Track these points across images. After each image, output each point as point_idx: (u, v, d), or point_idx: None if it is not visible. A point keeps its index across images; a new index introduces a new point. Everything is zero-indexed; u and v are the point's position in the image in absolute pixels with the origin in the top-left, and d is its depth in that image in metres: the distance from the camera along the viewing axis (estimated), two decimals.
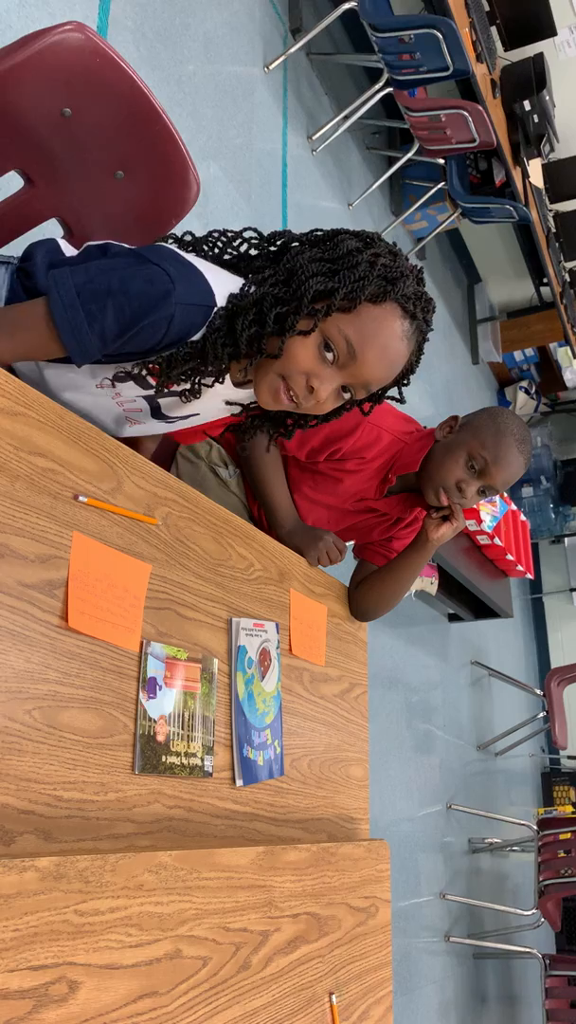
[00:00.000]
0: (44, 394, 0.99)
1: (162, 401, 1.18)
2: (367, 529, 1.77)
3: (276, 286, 1.08)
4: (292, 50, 3.51)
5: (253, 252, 1.16)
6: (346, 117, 3.82)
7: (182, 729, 1.14)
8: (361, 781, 1.69)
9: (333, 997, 1.32)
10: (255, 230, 1.17)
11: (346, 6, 3.39)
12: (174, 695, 1.14)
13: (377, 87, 3.72)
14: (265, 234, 1.17)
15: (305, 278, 1.06)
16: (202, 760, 1.17)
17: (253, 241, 1.16)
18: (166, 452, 1.66)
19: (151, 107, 1.20)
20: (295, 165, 3.62)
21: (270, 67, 3.43)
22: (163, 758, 1.09)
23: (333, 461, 1.62)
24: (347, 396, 1.15)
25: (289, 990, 1.21)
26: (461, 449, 1.55)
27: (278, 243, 1.15)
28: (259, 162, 3.28)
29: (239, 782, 1.25)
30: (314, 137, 3.80)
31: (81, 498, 1.02)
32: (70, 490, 1.01)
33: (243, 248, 1.16)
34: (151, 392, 1.15)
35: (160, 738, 1.09)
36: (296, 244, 1.13)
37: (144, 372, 1.10)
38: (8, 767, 0.87)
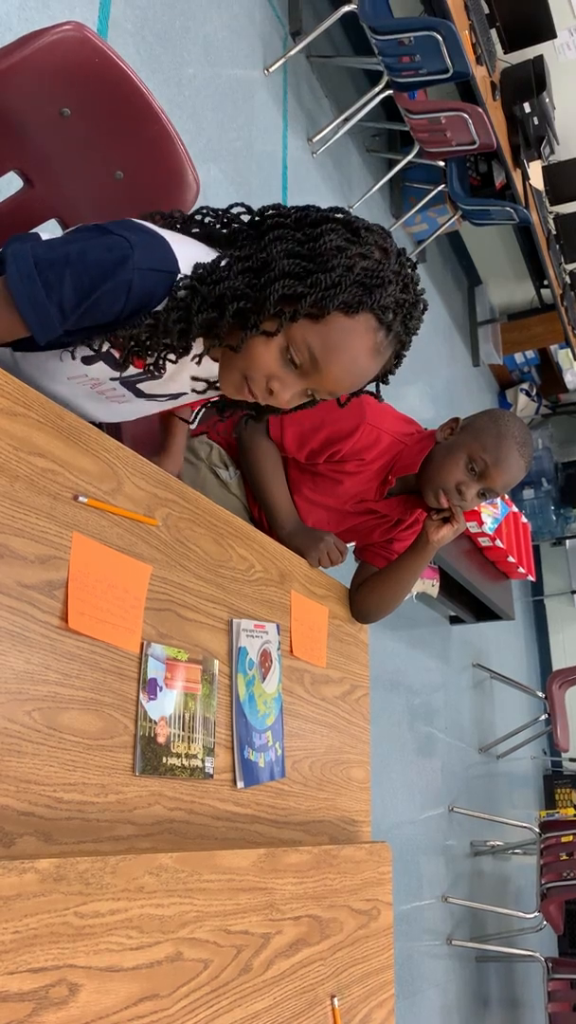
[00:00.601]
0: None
1: (142, 386, 1.15)
2: (367, 531, 1.77)
3: (245, 274, 1.01)
4: (292, 53, 3.51)
5: (236, 226, 1.09)
6: (346, 119, 3.83)
7: (183, 731, 1.13)
8: (363, 783, 1.68)
9: (335, 1000, 1.31)
10: (244, 205, 1.10)
11: (346, 8, 3.40)
12: (175, 696, 1.13)
13: (377, 89, 3.72)
14: (255, 208, 1.10)
15: (274, 277, 0.99)
16: (203, 762, 1.17)
17: (243, 216, 1.10)
18: None
19: (150, 107, 1.20)
20: (295, 167, 3.62)
21: (270, 70, 3.44)
22: (164, 760, 1.08)
23: (333, 463, 1.62)
24: (311, 396, 1.11)
25: (291, 993, 1.20)
26: (462, 451, 1.54)
27: (265, 218, 1.07)
28: (259, 164, 3.28)
29: (240, 784, 1.25)
30: (314, 139, 3.80)
31: (81, 499, 1.01)
32: (70, 491, 1.00)
33: (230, 226, 1.10)
34: (120, 373, 1.10)
35: (161, 740, 1.09)
36: (284, 224, 1.04)
37: (108, 347, 1.05)
38: (8, 768, 0.86)
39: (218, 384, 1.16)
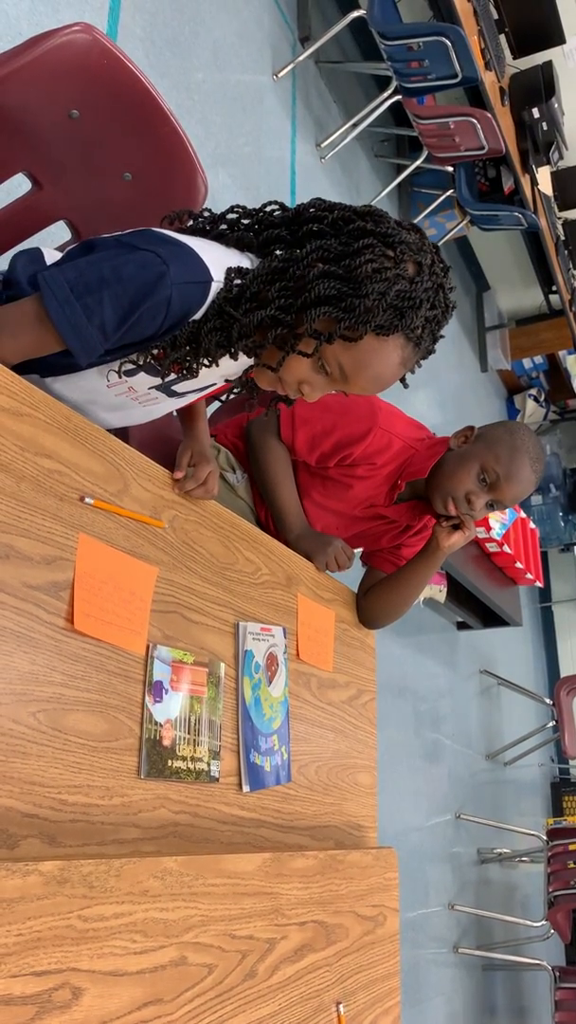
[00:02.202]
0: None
1: (176, 387, 1.17)
2: (376, 536, 1.76)
3: (282, 296, 1.04)
4: (301, 58, 3.52)
5: (271, 230, 1.09)
6: (355, 125, 3.83)
7: (188, 734, 1.13)
8: (369, 788, 1.67)
9: (341, 1007, 1.30)
10: (279, 203, 1.11)
11: (355, 14, 3.40)
12: (180, 699, 1.13)
13: (386, 95, 3.73)
14: (289, 206, 1.11)
15: (311, 302, 1.02)
16: (208, 765, 1.16)
17: (276, 216, 1.10)
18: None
19: (159, 109, 1.20)
20: (304, 173, 3.62)
21: (279, 75, 3.44)
22: (169, 763, 1.08)
23: (343, 467, 1.61)
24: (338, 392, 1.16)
25: (296, 999, 1.19)
26: (474, 461, 1.54)
27: (306, 220, 1.06)
28: (268, 170, 3.28)
29: (246, 788, 1.24)
30: (323, 145, 3.80)
31: (88, 500, 1.01)
32: (76, 492, 1.00)
33: (262, 225, 1.11)
34: (161, 380, 1.13)
35: (166, 742, 1.08)
36: (322, 230, 1.04)
37: (150, 359, 1.07)
38: (13, 770, 0.86)
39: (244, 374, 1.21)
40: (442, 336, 1.13)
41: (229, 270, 1.03)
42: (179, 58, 2.77)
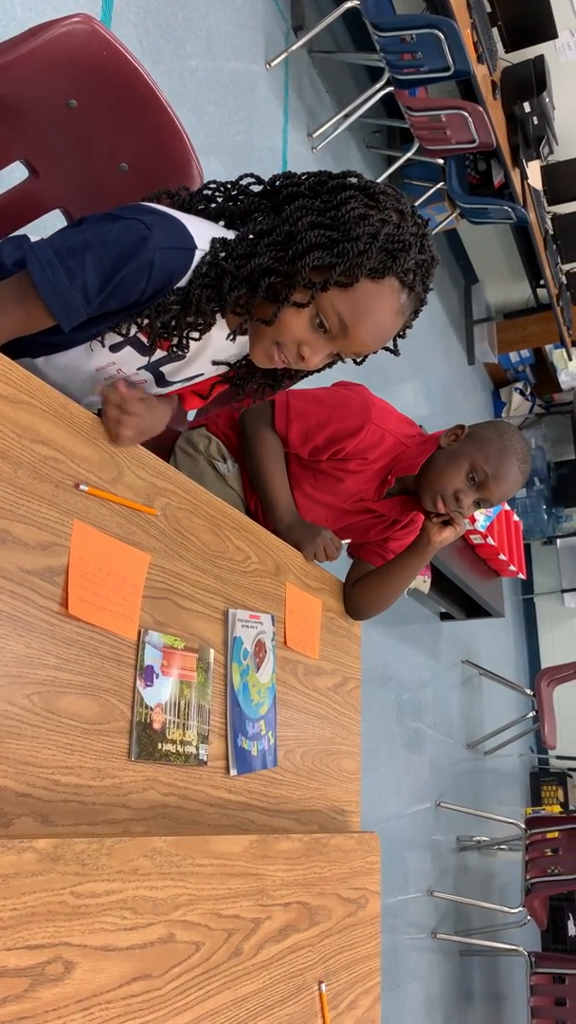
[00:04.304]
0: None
1: (164, 368, 1.18)
2: (364, 529, 1.79)
3: (272, 248, 1.04)
4: (294, 48, 3.51)
5: (249, 199, 1.11)
6: (347, 115, 3.83)
7: (178, 717, 1.15)
8: (353, 774, 1.70)
9: (322, 986, 1.33)
10: (254, 175, 1.13)
11: (348, 5, 3.40)
12: (171, 684, 1.15)
13: (378, 86, 3.73)
14: (265, 179, 1.13)
15: (304, 249, 1.03)
16: (197, 749, 1.18)
17: (253, 188, 1.13)
18: (165, 444, 1.67)
19: (156, 100, 1.21)
20: (295, 162, 3.62)
21: (272, 64, 3.44)
22: (159, 746, 1.10)
23: (335, 460, 1.63)
24: (335, 357, 1.16)
25: (279, 977, 1.22)
26: (464, 460, 1.57)
27: (279, 187, 1.10)
28: (259, 159, 3.28)
29: (233, 771, 1.26)
30: (314, 135, 3.80)
31: (82, 487, 1.03)
32: (71, 479, 1.02)
33: (241, 199, 1.13)
34: (148, 358, 1.13)
35: (156, 726, 1.10)
36: (300, 193, 1.07)
37: (135, 331, 1.08)
38: (7, 750, 0.88)
39: (235, 363, 1.20)
40: (431, 289, 1.15)
41: (214, 240, 1.05)
42: (172, 45, 2.77)
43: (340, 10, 3.43)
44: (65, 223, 1.36)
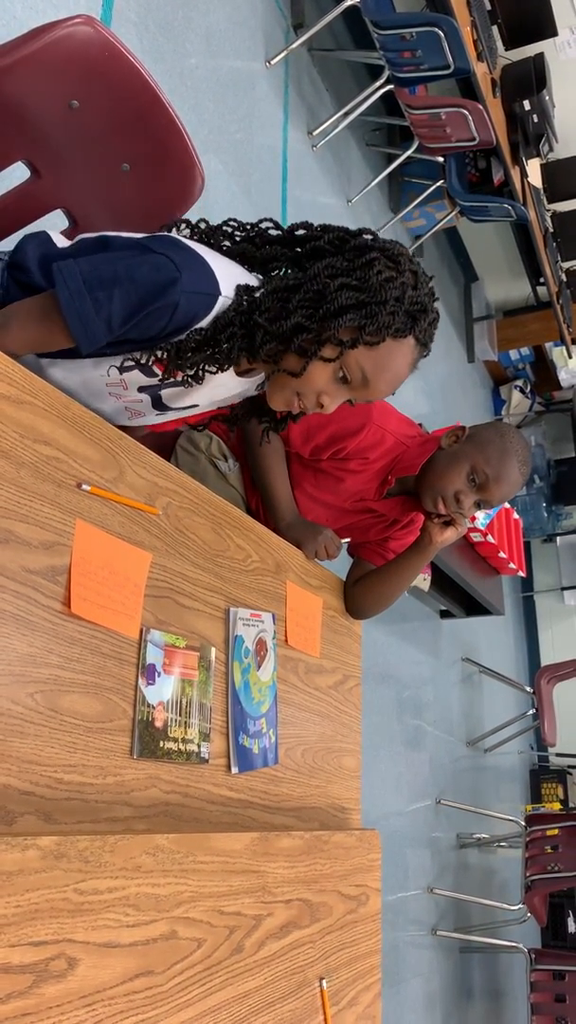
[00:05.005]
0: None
1: (164, 392, 1.20)
2: (363, 529, 1.79)
3: (304, 307, 1.09)
4: (294, 46, 3.51)
5: (270, 247, 1.16)
6: (347, 113, 3.83)
7: (179, 716, 1.16)
8: (353, 771, 1.71)
9: (323, 982, 1.34)
10: (273, 220, 1.17)
11: (348, 2, 3.40)
12: (172, 682, 1.15)
13: (378, 84, 3.73)
14: (283, 226, 1.18)
15: (336, 311, 1.08)
16: (199, 747, 1.19)
17: (271, 234, 1.17)
18: (166, 444, 1.67)
19: (158, 101, 1.22)
20: (295, 160, 3.62)
21: (272, 62, 3.44)
22: (161, 744, 1.10)
23: (336, 460, 1.64)
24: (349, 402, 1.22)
25: (281, 974, 1.23)
26: (465, 461, 1.57)
27: (301, 240, 1.15)
28: (259, 157, 3.29)
29: (234, 769, 1.27)
30: (314, 133, 3.80)
31: (84, 486, 1.03)
32: (74, 478, 1.02)
33: (259, 241, 1.17)
34: (155, 381, 1.16)
35: (158, 724, 1.11)
36: (323, 249, 1.12)
37: (151, 361, 1.11)
38: (10, 749, 0.88)
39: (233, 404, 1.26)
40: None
41: (239, 287, 1.09)
42: (172, 44, 2.77)
43: (340, 8, 3.42)
44: (67, 223, 1.37)
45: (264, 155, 3.34)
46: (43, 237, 1.19)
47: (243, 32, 3.27)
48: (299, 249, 1.14)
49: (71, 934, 0.84)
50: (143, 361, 1.11)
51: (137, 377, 1.16)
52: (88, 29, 1.10)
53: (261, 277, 1.16)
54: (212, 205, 2.88)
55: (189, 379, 1.14)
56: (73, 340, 1.02)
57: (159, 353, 1.10)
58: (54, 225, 1.40)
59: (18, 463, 0.94)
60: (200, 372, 1.13)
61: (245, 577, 1.39)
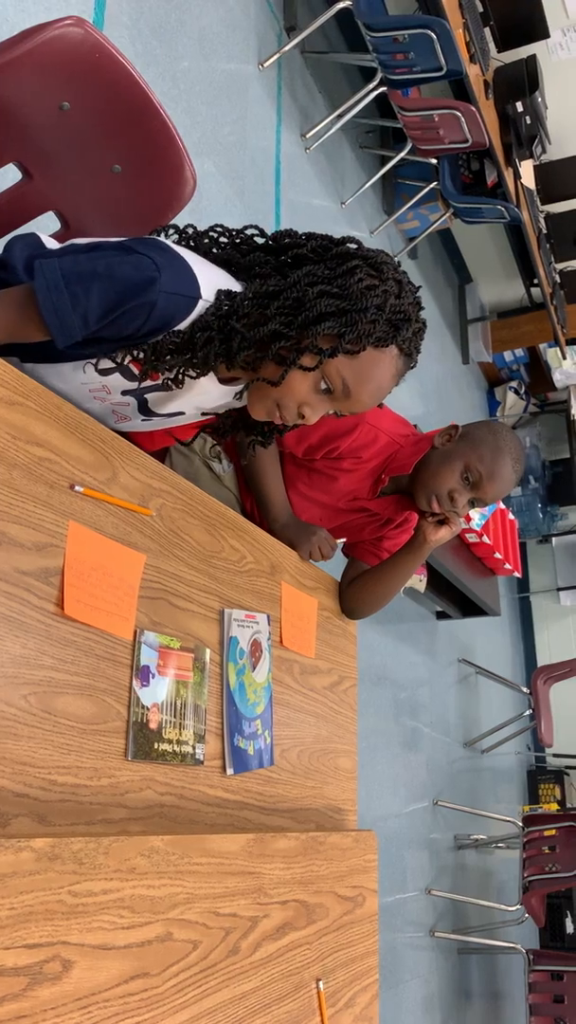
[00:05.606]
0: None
1: (149, 396, 1.19)
2: (357, 528, 1.79)
3: (282, 313, 1.07)
4: (287, 48, 3.52)
5: (254, 254, 1.14)
6: (340, 116, 3.84)
7: (174, 717, 1.15)
8: (349, 772, 1.71)
9: (320, 983, 1.34)
10: (258, 228, 1.16)
11: (340, 5, 3.40)
12: (167, 683, 1.15)
13: (371, 86, 3.73)
14: (268, 233, 1.16)
15: (314, 319, 1.06)
16: (193, 748, 1.19)
17: (256, 241, 1.16)
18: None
19: (149, 102, 1.22)
20: (289, 163, 3.63)
21: (265, 64, 3.45)
22: (155, 745, 1.10)
23: (330, 459, 1.64)
24: (333, 414, 1.20)
25: (277, 975, 1.22)
26: (458, 460, 1.57)
27: (285, 248, 1.13)
28: (253, 159, 3.29)
29: (229, 771, 1.27)
30: (308, 135, 3.81)
31: (77, 488, 1.03)
32: (67, 480, 1.02)
33: (244, 248, 1.16)
34: (136, 384, 1.15)
35: (152, 725, 1.10)
36: (305, 256, 1.10)
37: (128, 361, 1.10)
38: (4, 751, 0.88)
39: (220, 414, 1.23)
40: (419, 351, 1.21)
41: (219, 292, 1.07)
42: (165, 46, 2.77)
43: (332, 10, 3.43)
44: (59, 225, 1.37)
45: (257, 157, 3.34)
46: (32, 239, 1.19)
47: (236, 35, 3.27)
48: (283, 257, 1.12)
49: (66, 936, 0.84)
50: (119, 360, 1.10)
51: (119, 381, 1.15)
52: (79, 31, 1.10)
53: (245, 284, 1.14)
54: (205, 208, 2.88)
55: (169, 382, 1.12)
56: (48, 333, 1.01)
57: (135, 352, 1.08)
58: (46, 227, 1.40)
59: (10, 464, 0.94)
60: (179, 375, 1.12)
61: (240, 578, 1.39)
